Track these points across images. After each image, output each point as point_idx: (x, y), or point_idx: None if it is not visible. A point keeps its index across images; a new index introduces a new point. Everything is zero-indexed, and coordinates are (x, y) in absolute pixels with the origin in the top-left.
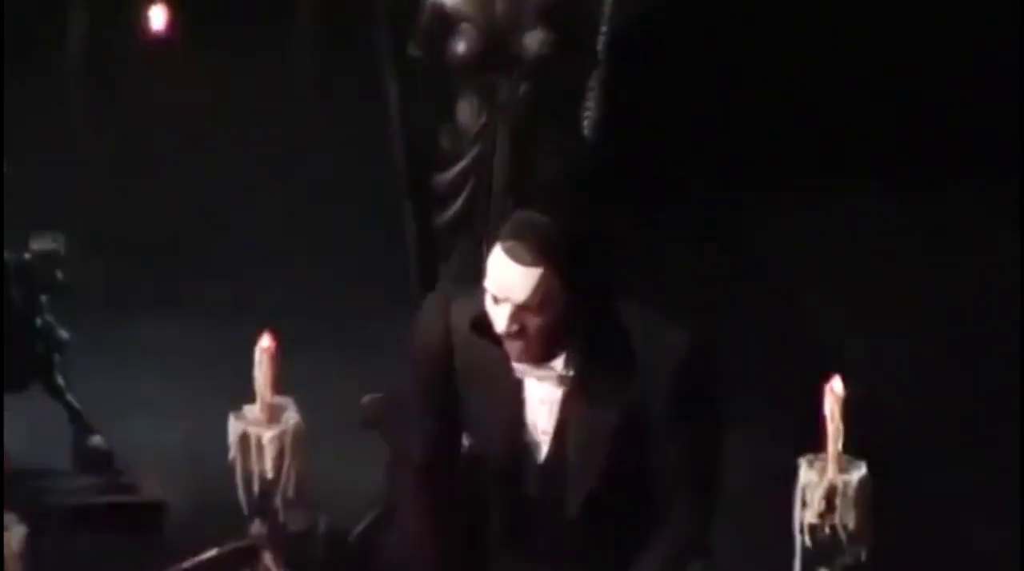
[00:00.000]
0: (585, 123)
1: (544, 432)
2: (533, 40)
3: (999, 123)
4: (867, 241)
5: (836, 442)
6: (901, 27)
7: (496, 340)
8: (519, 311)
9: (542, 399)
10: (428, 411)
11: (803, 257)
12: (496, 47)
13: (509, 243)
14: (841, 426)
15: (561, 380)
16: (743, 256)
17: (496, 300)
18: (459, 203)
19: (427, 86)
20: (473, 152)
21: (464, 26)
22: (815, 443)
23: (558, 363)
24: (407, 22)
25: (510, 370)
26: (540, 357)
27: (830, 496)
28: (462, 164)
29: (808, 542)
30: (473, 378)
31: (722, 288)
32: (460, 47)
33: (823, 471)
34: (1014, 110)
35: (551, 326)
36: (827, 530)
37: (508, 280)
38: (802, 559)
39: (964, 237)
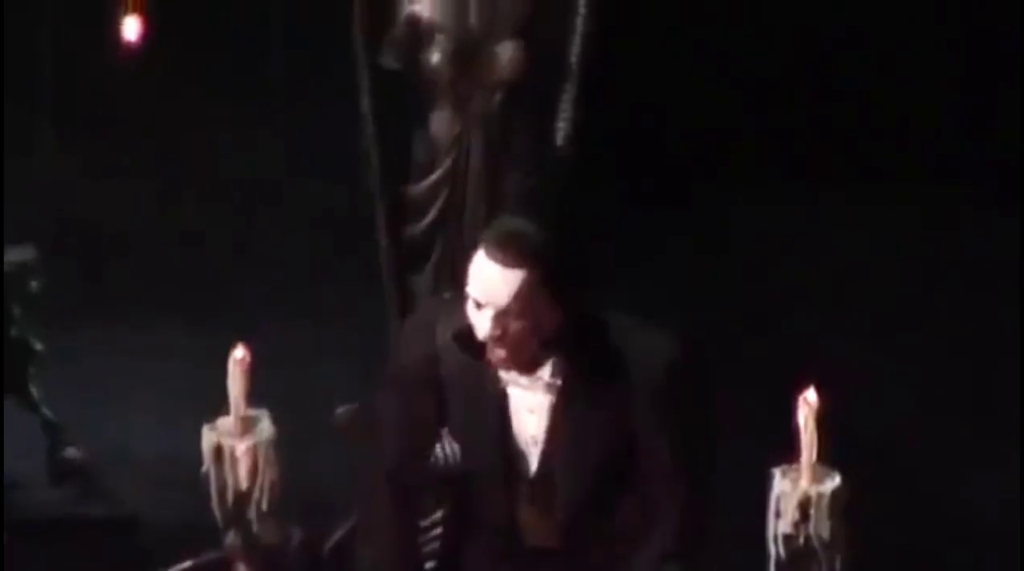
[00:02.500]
0: (558, 133)
1: (533, 441)
2: (506, 51)
3: (984, 126)
4: (851, 243)
5: (810, 452)
6: (882, 26)
7: (479, 351)
8: (501, 316)
9: (531, 408)
10: (403, 429)
11: (784, 262)
12: (469, 58)
13: (491, 247)
14: (815, 436)
15: (549, 388)
16: (724, 260)
17: (478, 305)
18: (433, 213)
19: (401, 97)
20: (447, 163)
21: (438, 37)
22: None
23: (545, 371)
24: (382, 33)
25: (495, 380)
26: (523, 364)
27: (804, 506)
28: (436, 174)
29: (782, 552)
30: (458, 392)
31: (704, 293)
32: (434, 58)
33: (797, 481)
34: (994, 112)
35: (533, 331)
36: (801, 540)
37: (490, 284)
38: (776, 569)
39: (953, 239)
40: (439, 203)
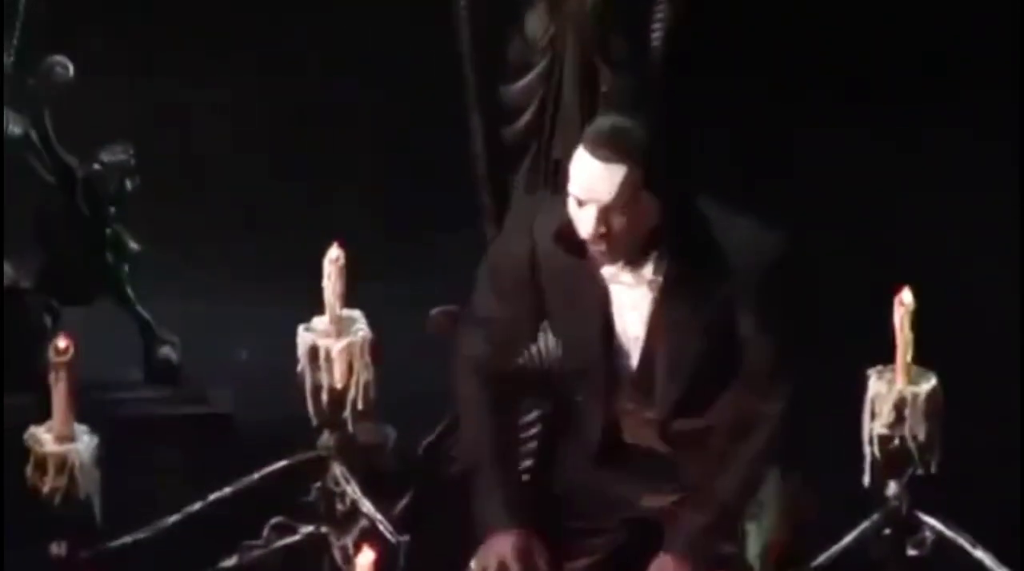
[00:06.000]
0: (655, 33)
1: (635, 338)
2: None
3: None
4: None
5: (905, 353)
6: None
7: (581, 250)
8: (604, 212)
9: (633, 305)
10: (494, 323)
11: (884, 165)
12: None
13: (592, 144)
14: (911, 337)
15: (651, 285)
16: (824, 163)
17: (581, 203)
18: (528, 115)
19: None
20: (542, 63)
21: None
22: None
23: (647, 268)
24: None
25: (597, 278)
26: (626, 259)
27: (899, 407)
28: (531, 75)
29: (877, 453)
30: (560, 291)
31: (802, 195)
32: None
33: (892, 382)
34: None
35: (636, 227)
36: (896, 441)
37: (593, 180)
38: (872, 470)
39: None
40: (534, 104)
